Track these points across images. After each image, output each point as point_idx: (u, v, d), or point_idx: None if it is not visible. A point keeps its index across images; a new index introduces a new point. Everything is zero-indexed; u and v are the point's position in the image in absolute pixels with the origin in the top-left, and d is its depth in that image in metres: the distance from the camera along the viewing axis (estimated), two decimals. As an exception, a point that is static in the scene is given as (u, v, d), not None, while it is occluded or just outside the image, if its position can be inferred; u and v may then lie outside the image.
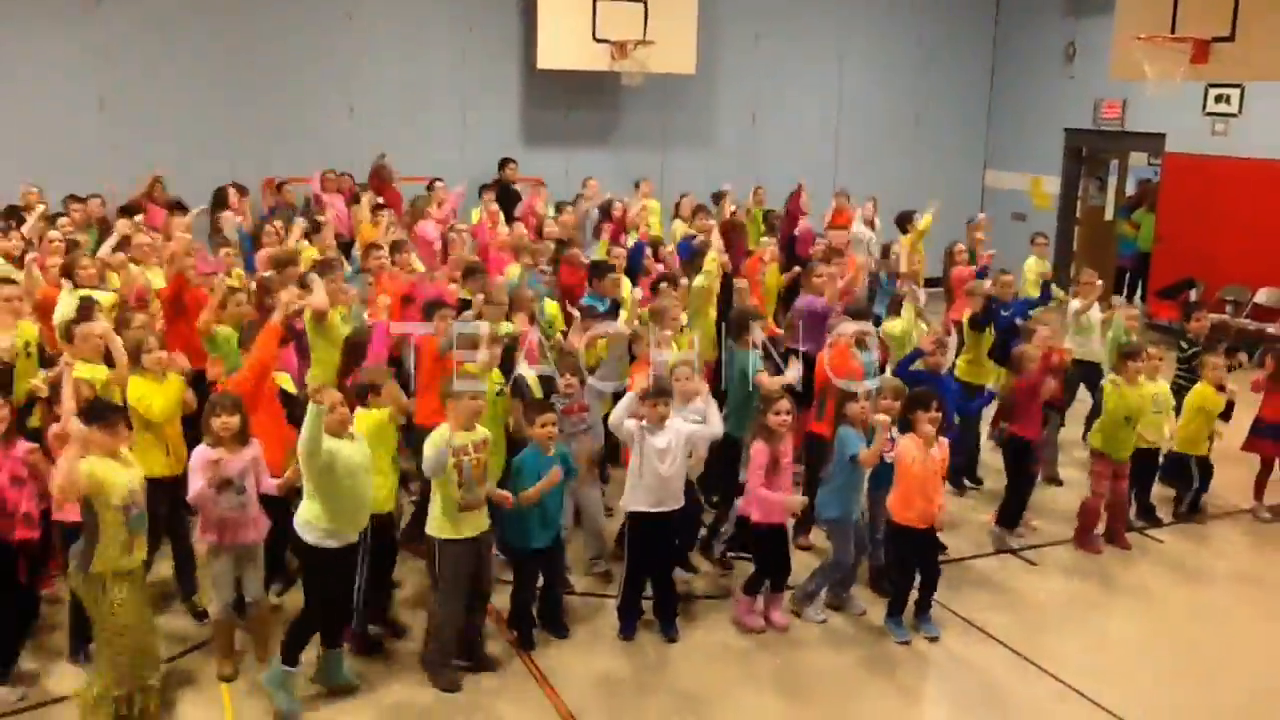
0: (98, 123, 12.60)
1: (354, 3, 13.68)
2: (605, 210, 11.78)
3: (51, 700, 5.61)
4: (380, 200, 11.59)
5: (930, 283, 11.04)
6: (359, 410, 5.84)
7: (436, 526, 5.74)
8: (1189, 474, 8.30)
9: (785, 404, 6.32)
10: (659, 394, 6.14)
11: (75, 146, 12.27)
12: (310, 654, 5.67)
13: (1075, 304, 9.40)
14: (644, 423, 6.12)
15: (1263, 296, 13.28)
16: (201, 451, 5.58)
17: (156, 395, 6.03)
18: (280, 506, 5.89)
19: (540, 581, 6.34)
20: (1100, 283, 9.56)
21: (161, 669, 5.50)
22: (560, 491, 6.21)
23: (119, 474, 5.15)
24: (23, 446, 5.70)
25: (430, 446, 5.60)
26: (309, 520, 5.46)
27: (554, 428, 6.12)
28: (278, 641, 5.67)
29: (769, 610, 6.57)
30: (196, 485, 5.51)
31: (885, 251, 10.93)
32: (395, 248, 9.24)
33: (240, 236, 10.12)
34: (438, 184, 12.21)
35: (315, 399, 5.26)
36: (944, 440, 6.36)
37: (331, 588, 5.58)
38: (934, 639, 6.45)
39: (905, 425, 6.34)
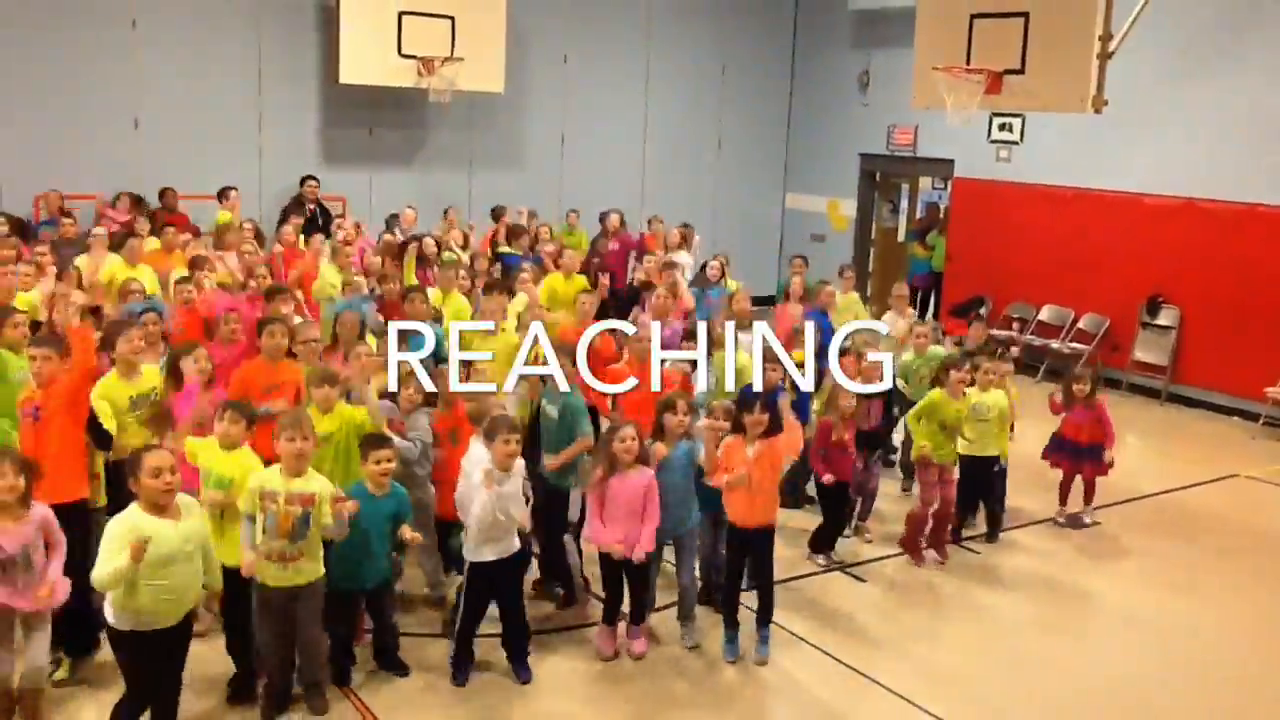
0: None
1: (138, 9, 12.85)
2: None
3: None
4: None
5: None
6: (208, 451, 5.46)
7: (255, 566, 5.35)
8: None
9: (629, 430, 6.16)
10: (510, 430, 5.86)
11: None
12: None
13: (890, 316, 9.78)
14: (491, 472, 5.82)
15: (1046, 314, 14.14)
16: None
17: None
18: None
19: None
20: (907, 292, 10.20)
21: None
22: (386, 530, 5.81)
23: None
24: None
25: (250, 484, 5.27)
26: (111, 603, 4.80)
27: (390, 464, 5.76)
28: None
29: (629, 640, 6.43)
30: None
31: (702, 269, 10.96)
32: (195, 264, 8.77)
33: None
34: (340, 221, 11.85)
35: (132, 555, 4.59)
36: (774, 439, 6.20)
37: (143, 671, 4.93)
38: (761, 662, 6.40)
39: (737, 429, 6.28)
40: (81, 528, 5.67)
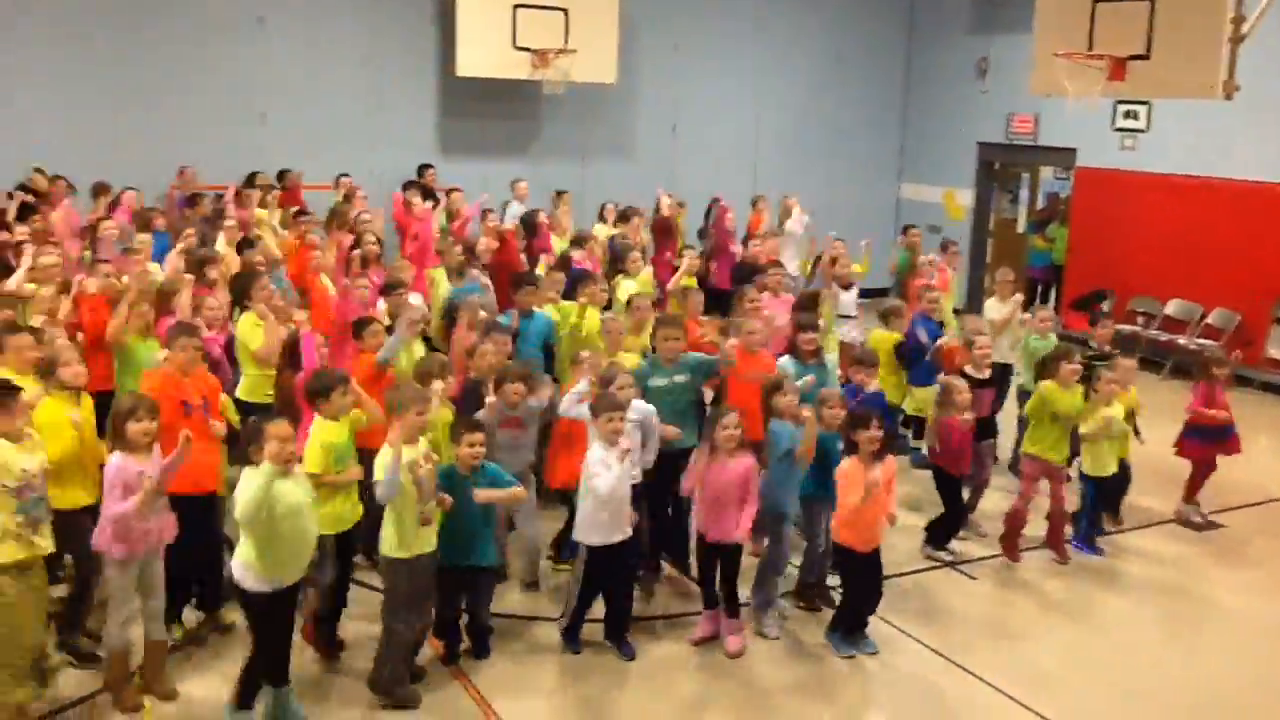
0: (7, 123, 12.04)
1: (265, 8, 13.28)
2: (530, 223, 11.51)
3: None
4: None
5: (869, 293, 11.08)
6: (317, 423, 5.63)
7: (394, 546, 5.54)
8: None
9: (733, 418, 6.18)
10: (612, 408, 5.97)
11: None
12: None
13: (991, 302, 9.58)
14: (598, 451, 5.95)
15: (1172, 308, 13.64)
16: (123, 464, 5.23)
17: (65, 424, 5.59)
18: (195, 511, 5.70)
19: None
20: (1013, 278, 9.96)
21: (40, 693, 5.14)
22: (486, 512, 5.96)
23: (11, 454, 4.88)
24: None
25: (381, 472, 5.39)
26: (246, 563, 5.09)
27: (481, 448, 5.86)
28: (164, 674, 5.59)
29: (725, 633, 6.42)
30: (125, 504, 5.17)
31: (816, 261, 10.87)
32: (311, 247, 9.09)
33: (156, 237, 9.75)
34: (455, 194, 12.20)
35: (266, 456, 4.93)
36: (889, 460, 6.25)
37: (274, 631, 5.24)
38: (873, 653, 6.39)
39: (849, 448, 6.26)
40: (216, 515, 6.11)
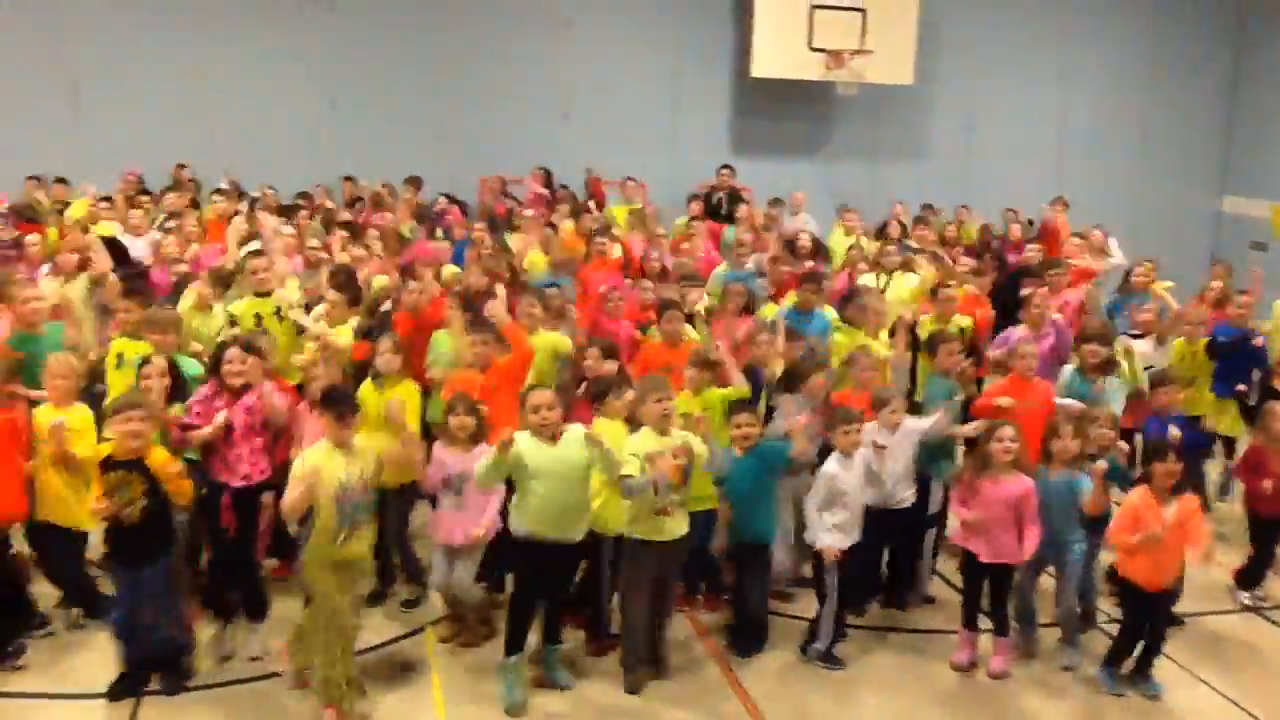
0: (329, 122, 13.22)
1: (574, 9, 13.87)
2: (790, 246, 11.18)
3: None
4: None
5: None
6: (598, 421, 5.86)
7: (633, 527, 5.60)
8: None
9: (1010, 431, 5.90)
10: (847, 420, 5.94)
11: (307, 143, 12.96)
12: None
13: None
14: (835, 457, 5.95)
15: None
16: (437, 456, 5.82)
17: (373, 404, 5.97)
18: None
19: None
20: None
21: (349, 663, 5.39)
22: (769, 489, 5.98)
23: (337, 465, 5.15)
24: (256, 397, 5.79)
25: (629, 452, 5.45)
26: (514, 506, 5.49)
27: (750, 428, 5.89)
28: (479, 634, 6.08)
29: (993, 654, 6.16)
30: (430, 483, 5.86)
31: (1126, 276, 10.13)
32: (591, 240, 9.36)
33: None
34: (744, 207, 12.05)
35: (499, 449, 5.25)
36: (1187, 496, 5.75)
37: (530, 579, 5.45)
38: (1154, 697, 5.94)
39: (1143, 477, 5.85)
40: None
